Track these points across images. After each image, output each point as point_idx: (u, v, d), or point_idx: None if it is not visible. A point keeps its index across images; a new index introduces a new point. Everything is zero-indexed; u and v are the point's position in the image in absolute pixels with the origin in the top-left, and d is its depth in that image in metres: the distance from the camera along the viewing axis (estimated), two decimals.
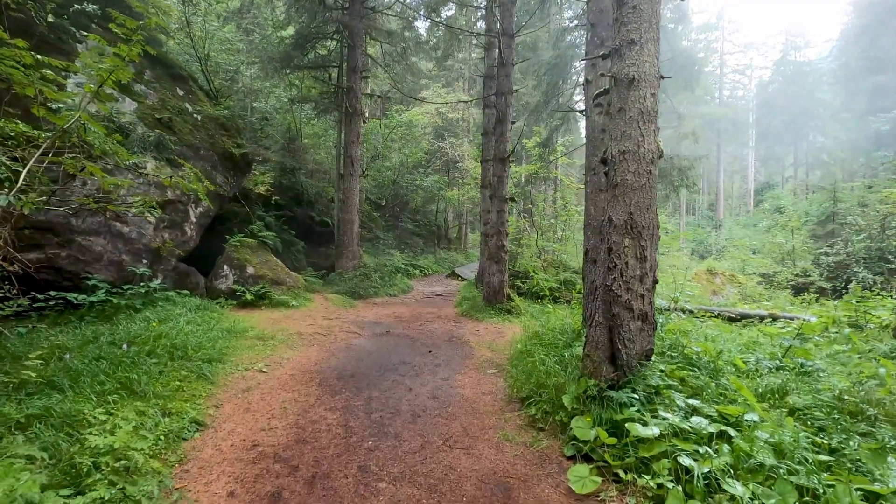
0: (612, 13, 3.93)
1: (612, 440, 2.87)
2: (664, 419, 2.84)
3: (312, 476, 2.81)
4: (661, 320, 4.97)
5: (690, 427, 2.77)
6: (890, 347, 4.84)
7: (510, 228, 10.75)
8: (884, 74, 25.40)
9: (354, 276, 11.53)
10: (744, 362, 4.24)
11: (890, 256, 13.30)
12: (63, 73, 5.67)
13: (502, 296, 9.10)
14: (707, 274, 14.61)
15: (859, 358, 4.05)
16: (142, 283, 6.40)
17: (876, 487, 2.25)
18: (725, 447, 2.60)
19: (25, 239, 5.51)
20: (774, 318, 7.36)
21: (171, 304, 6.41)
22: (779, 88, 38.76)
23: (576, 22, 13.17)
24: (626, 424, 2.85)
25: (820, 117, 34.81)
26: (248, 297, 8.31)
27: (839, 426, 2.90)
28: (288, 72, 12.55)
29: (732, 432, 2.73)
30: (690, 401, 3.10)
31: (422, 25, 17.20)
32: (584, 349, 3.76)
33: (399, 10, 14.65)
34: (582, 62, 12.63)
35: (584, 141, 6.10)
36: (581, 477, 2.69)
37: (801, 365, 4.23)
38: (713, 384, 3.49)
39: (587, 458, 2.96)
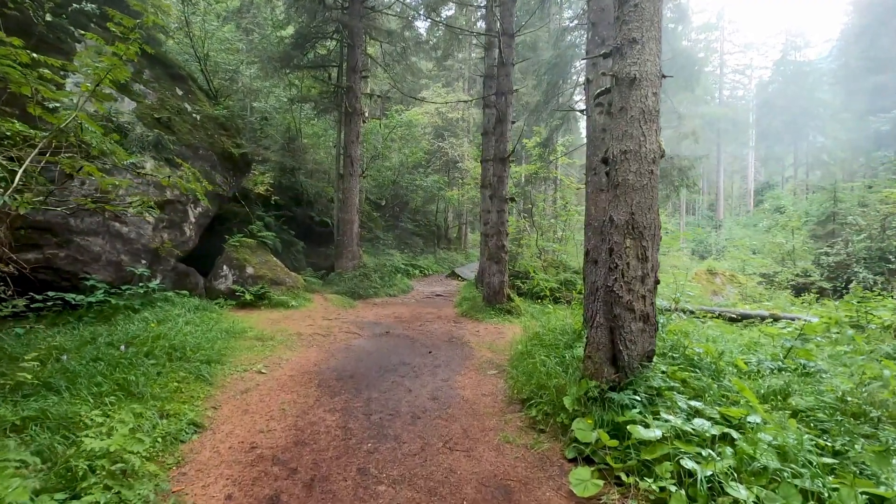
0: (613, 12, 3.91)
1: (614, 442, 2.84)
2: (666, 421, 2.81)
3: (311, 479, 2.78)
4: (662, 321, 4.94)
5: (693, 429, 2.74)
6: (893, 348, 4.82)
7: (510, 228, 10.73)
8: (884, 74, 25.37)
9: (354, 276, 11.51)
10: (745, 363, 4.21)
11: (890, 256, 13.28)
12: (62, 73, 5.64)
13: (502, 296, 9.07)
14: (707, 274, 14.58)
15: (863, 359, 4.02)
16: (140, 284, 6.37)
17: (881, 491, 2.22)
18: (728, 450, 2.57)
19: (23, 239, 5.48)
20: (775, 319, 7.34)
21: (170, 305, 6.38)
22: (779, 88, 38.74)
23: (576, 21, 13.14)
24: (628, 426, 2.82)
25: (820, 117, 34.80)
26: (248, 297, 8.29)
27: (843, 428, 2.88)
28: (287, 71, 12.52)
29: (735, 434, 2.71)
30: (692, 402, 3.08)
31: (422, 25, 17.18)
32: (585, 350, 3.74)
33: (399, 9, 14.63)
34: (582, 62, 12.62)
35: (585, 141, 6.08)
36: (582, 480, 2.66)
37: (803, 366, 4.21)
38: (715, 385, 3.47)
39: (588, 461, 2.93)
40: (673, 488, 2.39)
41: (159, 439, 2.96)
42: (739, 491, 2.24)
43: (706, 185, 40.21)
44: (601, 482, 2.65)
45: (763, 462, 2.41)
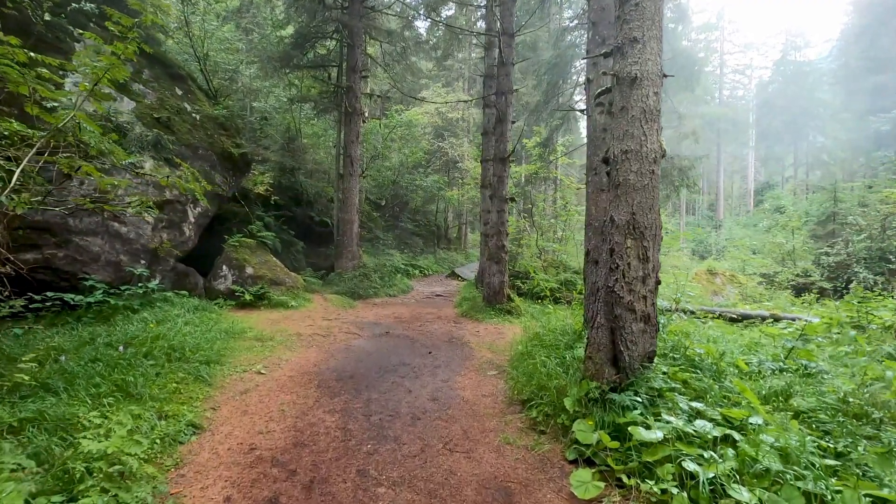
0: (613, 11, 3.89)
1: (615, 444, 2.82)
2: (667, 423, 2.79)
3: (310, 481, 2.76)
4: (662, 321, 4.93)
5: (694, 431, 2.72)
6: (894, 348, 4.80)
7: (510, 228, 10.71)
8: (884, 74, 25.36)
9: (354, 276, 11.49)
10: (746, 364, 4.20)
11: (891, 256, 13.26)
12: (60, 73, 5.62)
13: (502, 296, 9.06)
14: (707, 274, 14.57)
15: (866, 360, 4.00)
16: (140, 284, 6.36)
17: (885, 493, 2.21)
18: (730, 451, 2.56)
19: (22, 239, 5.47)
20: (776, 319, 7.32)
21: (170, 305, 6.37)
22: (779, 88, 38.73)
23: (576, 21, 13.13)
24: (629, 428, 2.80)
25: (820, 117, 34.79)
26: (247, 297, 8.27)
27: (845, 430, 2.86)
28: (287, 71, 12.50)
29: (737, 436, 2.69)
30: (694, 403, 3.06)
31: (422, 25, 17.16)
32: (585, 351, 3.72)
33: (399, 9, 14.61)
34: (582, 62, 12.61)
35: (585, 141, 6.06)
36: (583, 482, 2.64)
37: (804, 366, 4.19)
38: (716, 386, 3.45)
39: (589, 462, 2.92)
40: (675, 490, 2.37)
41: (158, 441, 2.95)
42: (742, 493, 2.22)
43: (706, 185, 40.21)
44: (602, 484, 2.63)
45: (765, 464, 2.39)
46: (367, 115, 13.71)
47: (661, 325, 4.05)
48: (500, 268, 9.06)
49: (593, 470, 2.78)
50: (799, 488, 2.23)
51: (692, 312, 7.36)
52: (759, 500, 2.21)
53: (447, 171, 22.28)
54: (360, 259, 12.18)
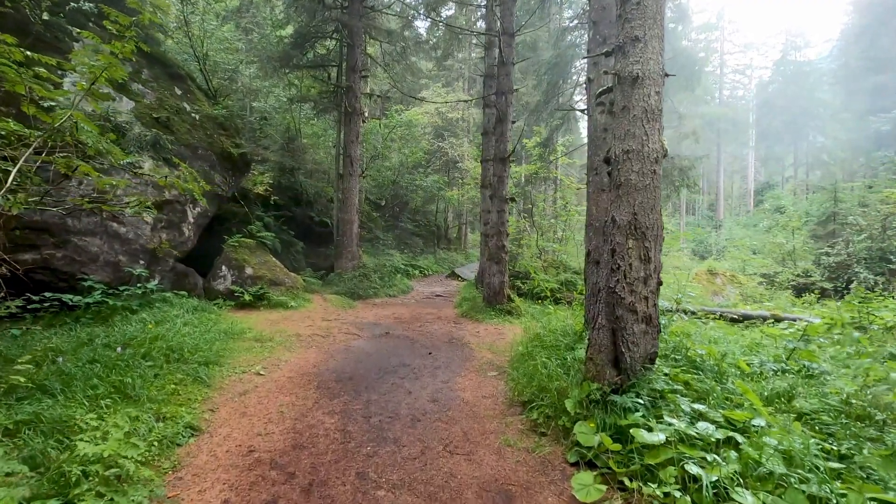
0: (614, 10, 3.87)
1: (617, 446, 2.80)
2: (670, 425, 2.77)
3: (309, 483, 2.74)
4: (663, 322, 4.90)
5: (697, 433, 2.70)
6: None
7: (510, 229, 10.68)
8: (884, 74, 25.34)
9: (354, 276, 11.46)
10: (748, 365, 4.17)
11: (891, 257, 13.25)
12: (59, 73, 5.60)
13: (502, 296, 9.03)
14: (708, 274, 14.55)
15: (870, 362, 3.98)
16: (139, 284, 6.33)
17: (890, 497, 2.18)
18: (733, 454, 2.54)
19: (20, 239, 5.44)
20: (777, 320, 7.30)
21: (169, 306, 6.34)
22: (779, 88, 38.72)
23: (576, 21, 13.10)
24: (631, 430, 2.78)
25: (820, 117, 34.77)
26: (247, 297, 8.24)
27: (848, 431, 2.83)
28: (287, 71, 12.48)
29: (740, 438, 2.67)
30: (696, 405, 3.04)
31: (421, 25, 17.15)
32: (586, 352, 3.69)
33: (399, 9, 14.59)
34: (582, 61, 12.60)
35: (585, 141, 6.04)
36: (585, 485, 2.62)
37: (806, 367, 4.17)
38: (718, 388, 3.42)
39: (591, 465, 2.89)
40: (678, 494, 2.35)
41: (155, 443, 2.92)
42: (745, 497, 2.20)
43: (706, 185, 40.20)
44: (604, 487, 2.60)
45: (769, 467, 2.37)
46: (366, 115, 13.68)
47: (662, 326, 4.03)
48: (500, 268, 9.03)
49: (595, 473, 2.76)
50: (803, 492, 2.20)
51: (693, 313, 7.34)
52: (763, 503, 2.18)
53: (447, 171, 22.26)
54: (360, 259, 12.15)
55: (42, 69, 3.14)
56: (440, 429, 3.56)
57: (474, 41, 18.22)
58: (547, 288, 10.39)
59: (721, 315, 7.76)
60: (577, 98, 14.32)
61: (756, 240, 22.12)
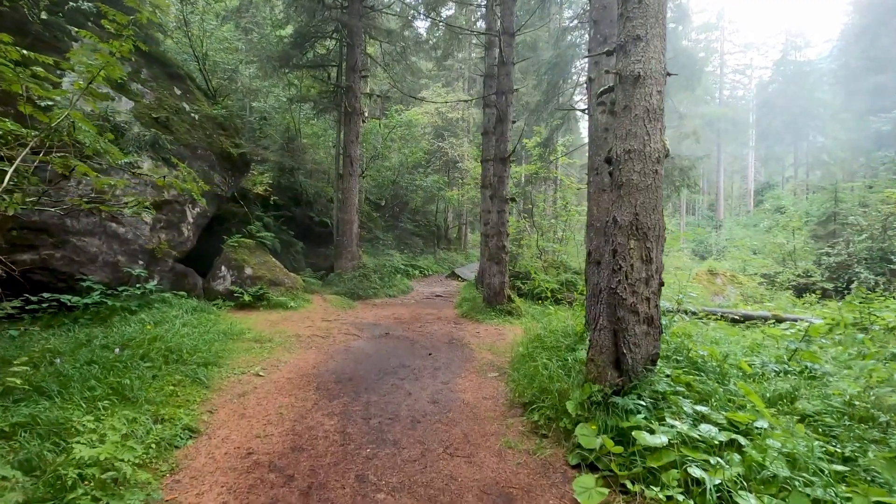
0: (615, 9, 3.85)
1: (619, 449, 2.77)
2: (672, 427, 2.74)
3: (308, 486, 2.71)
4: (665, 323, 4.87)
5: (699, 435, 2.68)
6: None
7: (510, 229, 10.66)
8: (884, 74, 25.33)
9: (353, 276, 11.44)
10: (750, 366, 4.15)
11: (892, 257, 13.23)
12: (58, 72, 5.57)
13: (503, 297, 9.01)
14: (708, 275, 14.54)
15: (874, 363, 3.95)
16: (138, 285, 6.30)
17: (894, 500, 2.16)
18: (736, 457, 2.51)
19: (19, 240, 5.42)
20: (778, 320, 7.27)
21: (168, 306, 6.31)
22: (779, 88, 38.71)
23: (576, 21, 13.09)
24: (633, 432, 2.75)
25: (820, 117, 34.76)
26: (246, 298, 8.22)
27: (852, 434, 2.81)
28: (287, 71, 12.45)
29: (743, 441, 2.65)
30: (698, 407, 3.01)
31: (421, 25, 17.12)
32: (587, 353, 3.67)
33: (399, 9, 14.57)
34: (583, 61, 12.58)
35: (585, 141, 6.02)
36: (587, 488, 2.59)
37: (808, 368, 4.14)
38: (720, 389, 3.40)
39: (592, 468, 2.87)
40: (680, 497, 2.32)
41: (153, 445, 2.90)
42: (749, 500, 2.18)
43: (706, 185, 40.18)
44: (606, 490, 2.58)
45: (773, 470, 2.35)
46: (366, 114, 13.66)
47: (663, 327, 4.00)
48: (500, 268, 9.01)
49: (596, 475, 2.73)
50: (808, 495, 2.18)
51: (694, 313, 7.31)
52: None
53: (447, 171, 22.23)
54: (360, 259, 12.12)
55: (40, 68, 3.11)
56: (440, 430, 3.53)
57: (474, 41, 18.19)
58: (547, 288, 10.37)
59: (722, 315, 7.74)
60: (577, 98, 14.31)
61: (756, 240, 22.11)
